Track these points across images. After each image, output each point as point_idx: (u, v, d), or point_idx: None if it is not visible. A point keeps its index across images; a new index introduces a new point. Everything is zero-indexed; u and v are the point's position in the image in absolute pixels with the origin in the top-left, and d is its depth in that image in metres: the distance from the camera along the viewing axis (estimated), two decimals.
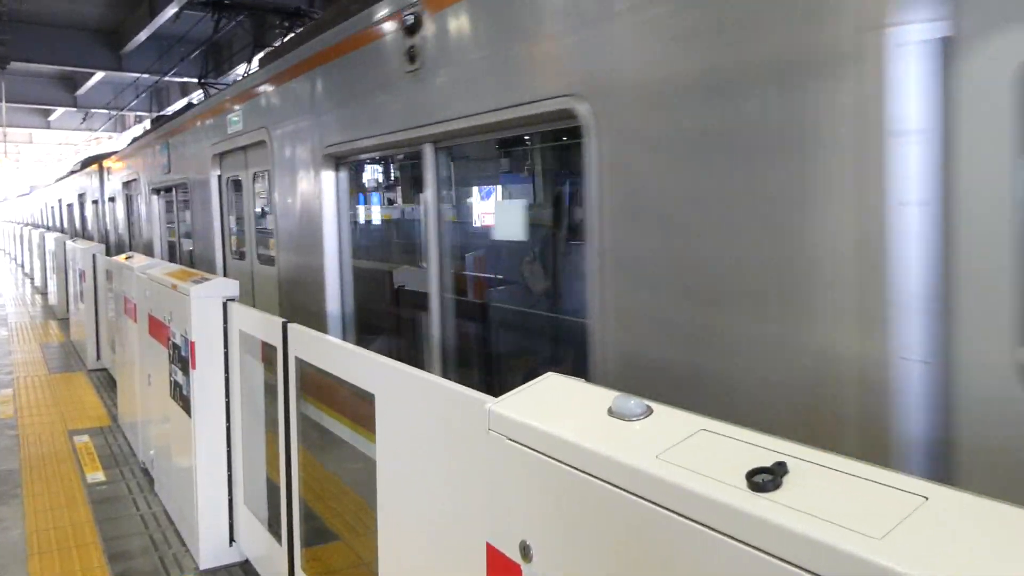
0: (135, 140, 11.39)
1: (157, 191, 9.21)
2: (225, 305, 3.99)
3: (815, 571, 1.02)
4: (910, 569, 0.92)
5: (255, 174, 5.61)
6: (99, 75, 22.68)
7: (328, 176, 4.27)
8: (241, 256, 6.16)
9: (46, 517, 4.73)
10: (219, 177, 6.49)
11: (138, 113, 28.42)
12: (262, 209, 5.67)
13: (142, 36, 17.97)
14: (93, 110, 27.89)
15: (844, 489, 1.13)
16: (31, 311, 14.61)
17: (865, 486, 1.13)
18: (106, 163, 13.17)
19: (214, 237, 6.61)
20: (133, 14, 18.27)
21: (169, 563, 4.11)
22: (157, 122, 11.20)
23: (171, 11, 15.69)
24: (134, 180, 10.58)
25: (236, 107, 5.77)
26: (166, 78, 20.45)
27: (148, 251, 9.67)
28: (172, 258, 8.98)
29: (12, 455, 5.93)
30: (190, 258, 7.72)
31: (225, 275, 6.33)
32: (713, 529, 1.15)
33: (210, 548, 4.07)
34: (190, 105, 8.63)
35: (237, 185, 6.20)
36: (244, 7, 10.29)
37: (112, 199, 12.67)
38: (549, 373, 1.83)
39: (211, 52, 19.78)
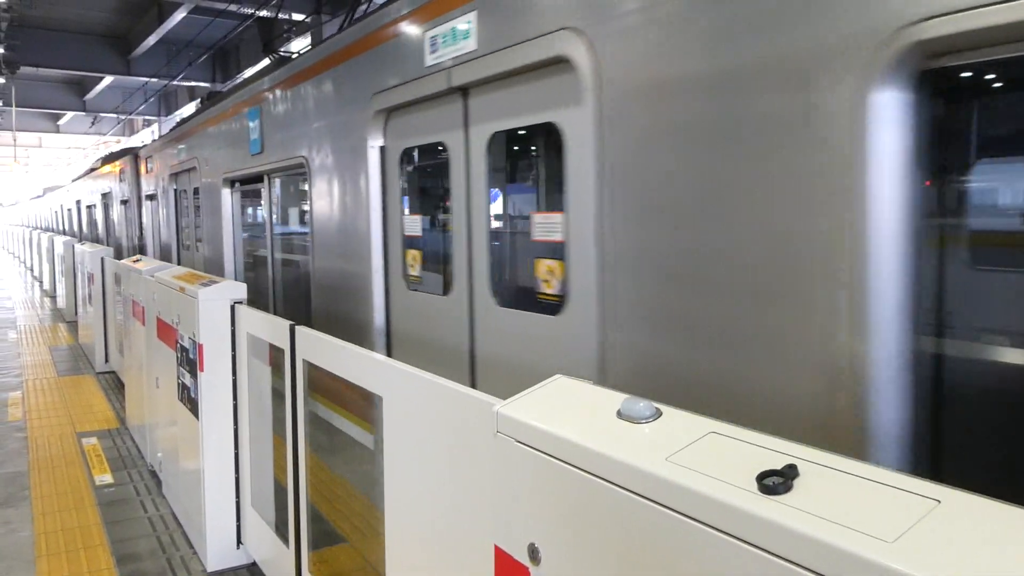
0: (192, 116, 8.37)
1: (233, 183, 6.66)
2: (233, 308, 4.01)
3: (826, 575, 1.01)
4: (922, 573, 0.92)
5: (497, 135, 3.23)
6: (108, 79, 22.83)
7: (881, 106, 1.68)
8: (443, 287, 3.71)
9: (54, 519, 4.75)
10: (382, 149, 4.08)
11: (146, 117, 28.59)
12: (515, 202, 3.36)
13: (151, 40, 18.07)
14: (102, 114, 28.08)
15: (855, 492, 1.12)
16: (40, 314, 14.68)
17: (876, 489, 1.12)
18: (143, 153, 10.70)
19: (368, 252, 4.11)
20: (142, 19, 18.39)
21: (177, 565, 4.12)
22: (209, 100, 8.55)
23: (179, 16, 15.77)
24: (189, 170, 7.96)
25: (455, 12, 3.24)
26: (175, 82, 20.56)
27: (215, 268, 6.96)
28: (260, 284, 6.17)
29: (21, 457, 5.96)
30: (299, 284, 5.22)
31: (388, 318, 4.08)
32: (723, 532, 1.15)
33: (217, 550, 4.08)
34: (282, 61, 5.81)
35: (433, 159, 3.85)
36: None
37: (151, 197, 10.02)
38: (557, 375, 1.83)
39: (219, 57, 19.89)
